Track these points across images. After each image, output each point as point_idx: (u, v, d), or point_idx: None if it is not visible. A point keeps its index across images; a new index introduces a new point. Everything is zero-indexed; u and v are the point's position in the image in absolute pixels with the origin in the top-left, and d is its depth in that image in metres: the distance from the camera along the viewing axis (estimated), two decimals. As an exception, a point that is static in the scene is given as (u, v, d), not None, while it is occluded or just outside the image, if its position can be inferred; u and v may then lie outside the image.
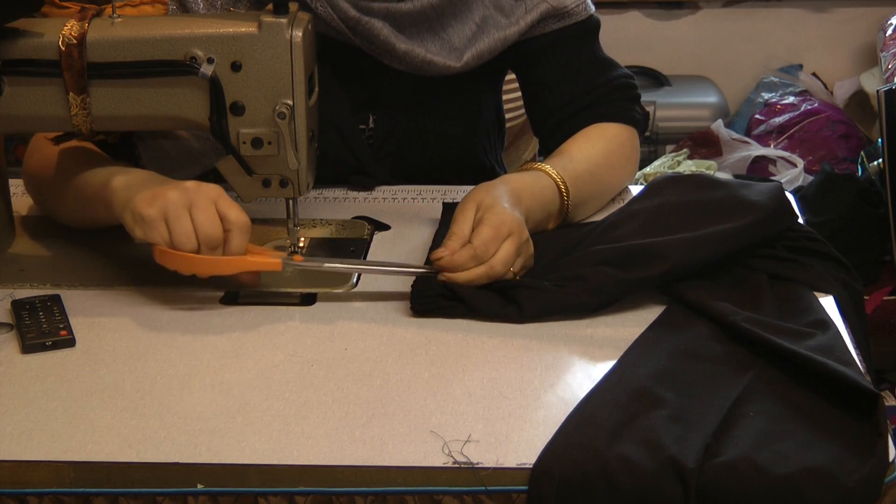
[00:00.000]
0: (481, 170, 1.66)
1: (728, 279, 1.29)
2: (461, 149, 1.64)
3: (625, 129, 1.58)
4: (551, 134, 1.59)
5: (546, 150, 1.60)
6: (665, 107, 3.24)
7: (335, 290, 1.33)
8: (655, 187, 1.41)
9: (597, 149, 1.53)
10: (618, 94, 1.59)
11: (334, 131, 1.54)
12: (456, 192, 1.59)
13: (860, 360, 1.15)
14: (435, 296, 1.26)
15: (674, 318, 1.24)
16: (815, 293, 1.27)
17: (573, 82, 1.57)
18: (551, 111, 1.58)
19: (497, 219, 1.29)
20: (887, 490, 1.02)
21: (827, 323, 1.19)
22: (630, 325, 1.24)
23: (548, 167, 1.44)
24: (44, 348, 1.21)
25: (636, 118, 1.60)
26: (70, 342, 1.22)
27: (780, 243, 1.32)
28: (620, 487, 0.99)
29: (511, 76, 1.69)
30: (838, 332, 1.18)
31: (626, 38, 3.39)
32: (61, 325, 1.24)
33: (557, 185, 1.43)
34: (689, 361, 1.15)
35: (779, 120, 3.22)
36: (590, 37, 1.60)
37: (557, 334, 1.23)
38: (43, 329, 1.23)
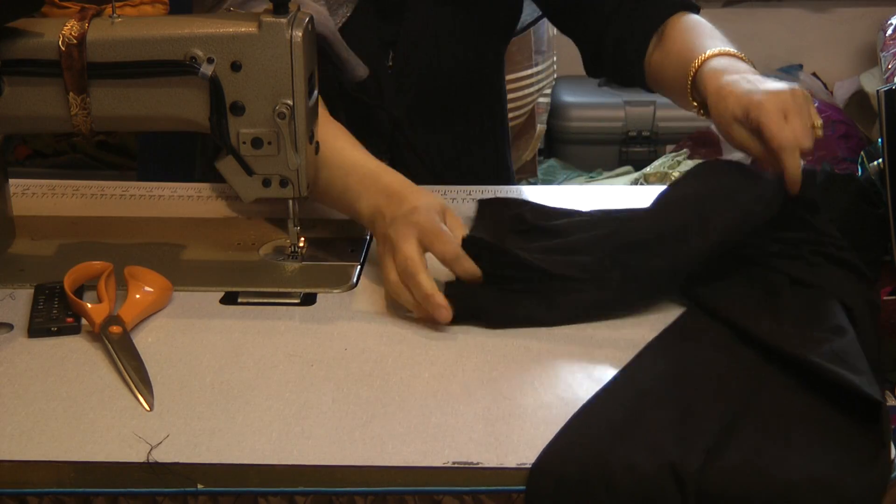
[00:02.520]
0: (495, 103, 1.71)
1: (748, 279, 1.27)
2: (476, 87, 1.66)
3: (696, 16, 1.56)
4: (606, 38, 1.58)
5: (599, 62, 1.61)
6: (665, 107, 3.24)
7: (335, 291, 1.33)
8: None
9: (713, 31, 1.49)
10: None
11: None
12: (456, 192, 1.59)
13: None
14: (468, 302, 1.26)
15: (687, 323, 1.23)
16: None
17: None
18: (605, 15, 1.57)
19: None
20: (888, 489, 1.02)
21: (844, 329, 1.18)
22: (630, 326, 1.24)
23: (728, 51, 1.41)
24: (49, 333, 1.23)
25: (698, 7, 1.59)
26: (76, 329, 1.23)
27: (808, 247, 1.30)
28: (619, 489, 0.99)
29: (510, 77, 1.69)
30: (854, 338, 1.16)
31: (626, 38, 3.39)
32: (69, 312, 1.25)
33: (746, 61, 1.41)
34: (697, 366, 1.15)
35: (779, 120, 3.22)
36: None
37: (557, 334, 1.23)
38: (52, 315, 1.24)
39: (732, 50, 1.42)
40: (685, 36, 1.50)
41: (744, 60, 1.41)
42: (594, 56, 1.63)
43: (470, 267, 1.26)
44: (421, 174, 1.61)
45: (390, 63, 1.61)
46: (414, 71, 1.61)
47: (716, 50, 1.41)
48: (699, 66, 1.41)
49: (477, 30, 1.64)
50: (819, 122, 1.31)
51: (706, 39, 1.46)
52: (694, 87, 1.42)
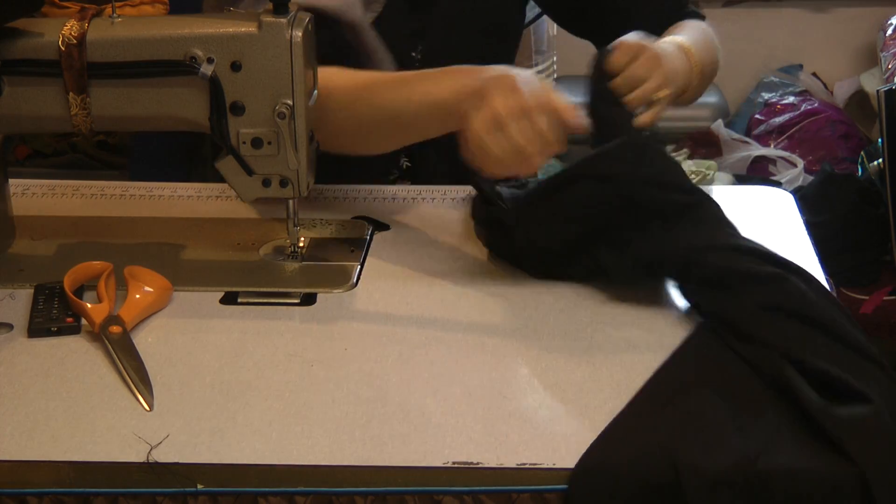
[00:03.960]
0: None
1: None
2: None
3: (703, 23, 1.61)
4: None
5: None
6: (665, 107, 3.23)
7: (335, 291, 1.33)
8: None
9: (697, 35, 1.54)
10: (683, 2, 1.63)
11: (392, 56, 1.56)
12: (455, 192, 1.59)
13: None
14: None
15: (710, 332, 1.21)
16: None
17: (651, 5, 1.60)
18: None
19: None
20: None
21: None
22: (630, 328, 1.24)
23: (678, 40, 1.46)
24: (49, 333, 1.23)
25: (703, 15, 1.63)
26: (75, 329, 1.23)
27: (833, 334, 1.15)
28: (682, 488, 0.99)
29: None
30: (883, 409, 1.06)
31: (626, 38, 3.39)
32: (69, 312, 1.25)
33: (686, 51, 1.45)
34: (734, 366, 1.14)
35: (779, 120, 3.22)
36: None
37: (558, 334, 1.23)
38: (52, 315, 1.24)
39: (685, 42, 1.47)
40: (670, 33, 1.54)
41: (688, 54, 1.46)
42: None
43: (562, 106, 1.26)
44: (439, 169, 1.61)
45: (418, 56, 1.62)
46: (440, 62, 1.61)
47: (675, 39, 1.47)
48: None
49: (499, 20, 1.66)
50: (664, 93, 1.35)
51: (677, 33, 1.51)
52: None
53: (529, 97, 1.25)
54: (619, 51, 1.36)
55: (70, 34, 1.28)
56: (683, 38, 1.50)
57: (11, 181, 1.50)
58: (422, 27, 1.62)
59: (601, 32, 1.62)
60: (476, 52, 1.62)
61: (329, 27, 1.46)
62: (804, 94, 3.33)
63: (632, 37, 1.38)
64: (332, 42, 1.46)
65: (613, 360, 1.17)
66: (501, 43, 1.70)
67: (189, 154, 1.86)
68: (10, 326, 1.25)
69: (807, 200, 2.74)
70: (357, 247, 1.44)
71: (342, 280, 1.35)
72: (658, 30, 1.56)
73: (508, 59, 1.73)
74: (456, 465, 1.02)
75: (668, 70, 1.38)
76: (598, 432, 1.06)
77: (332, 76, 1.41)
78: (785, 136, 3.18)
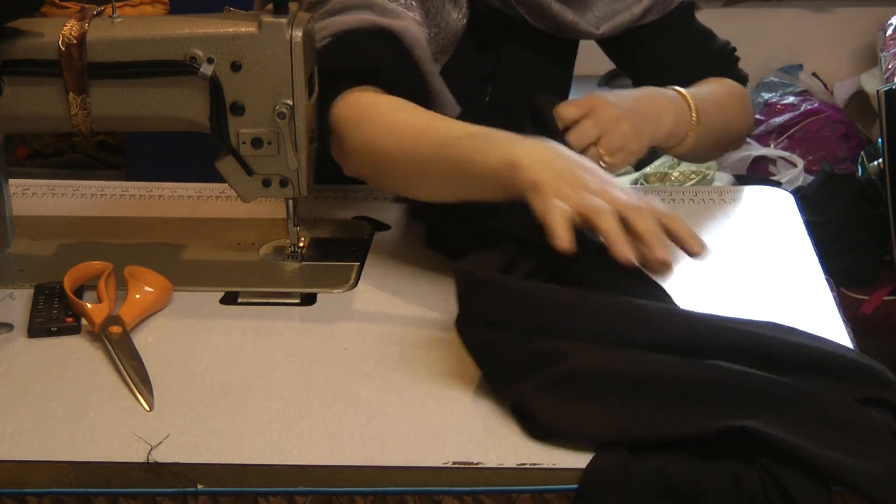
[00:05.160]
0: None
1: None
2: None
3: (737, 84, 1.62)
4: None
5: None
6: (665, 107, 3.23)
7: (335, 291, 1.33)
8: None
9: (718, 90, 1.55)
10: (727, 60, 1.64)
11: (461, 100, 1.47)
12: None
13: None
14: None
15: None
16: None
17: (687, 60, 1.61)
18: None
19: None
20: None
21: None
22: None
23: (681, 91, 1.47)
24: (49, 333, 1.23)
25: (744, 77, 1.64)
26: (75, 329, 1.23)
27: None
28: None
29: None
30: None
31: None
32: (69, 312, 1.25)
33: (684, 98, 1.46)
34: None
35: (779, 120, 3.22)
36: (689, 15, 1.64)
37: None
38: (52, 315, 1.25)
39: (689, 93, 1.47)
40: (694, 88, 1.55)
41: (688, 104, 1.47)
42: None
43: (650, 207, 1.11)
44: None
45: (487, 98, 1.61)
46: (511, 104, 1.60)
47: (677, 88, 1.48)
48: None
49: (568, 61, 1.67)
50: (611, 159, 1.34)
51: (694, 85, 1.53)
52: None
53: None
54: (572, 105, 1.35)
55: (70, 34, 1.28)
56: (694, 89, 1.50)
57: (11, 181, 1.50)
58: (491, 71, 1.60)
59: (643, 78, 1.63)
60: (544, 89, 1.62)
61: (399, 54, 1.39)
62: (804, 94, 3.33)
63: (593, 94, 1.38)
64: (397, 68, 1.37)
65: (613, 360, 1.17)
66: (566, 81, 1.70)
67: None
68: (10, 326, 1.25)
69: (807, 200, 2.74)
70: (357, 247, 1.44)
71: (342, 280, 1.35)
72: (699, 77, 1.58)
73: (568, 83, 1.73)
74: (456, 465, 1.02)
75: (628, 127, 1.35)
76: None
77: (398, 109, 1.33)
78: (785, 136, 3.18)
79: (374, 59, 1.36)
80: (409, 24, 1.40)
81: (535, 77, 1.61)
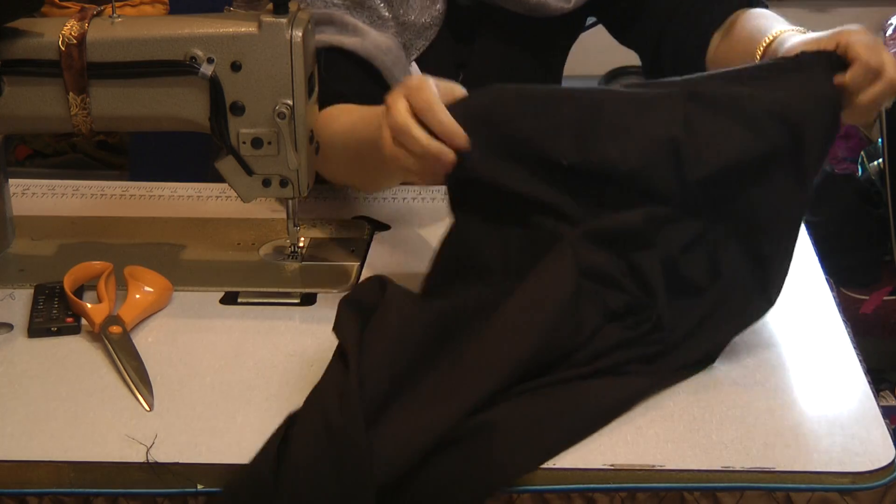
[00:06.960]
0: None
1: None
2: None
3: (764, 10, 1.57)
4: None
5: (658, 64, 1.59)
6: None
7: (335, 291, 1.33)
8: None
9: (781, 19, 1.50)
10: None
11: None
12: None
13: None
14: None
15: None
16: None
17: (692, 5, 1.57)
18: (663, 17, 1.58)
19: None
20: (887, 490, 1.02)
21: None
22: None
23: (798, 29, 1.41)
24: (49, 333, 1.23)
25: (765, 5, 1.60)
26: (75, 329, 1.23)
27: None
28: None
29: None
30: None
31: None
32: (69, 312, 1.25)
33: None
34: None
35: (779, 120, 3.22)
36: None
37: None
38: (52, 315, 1.25)
39: (801, 30, 1.41)
40: (754, 23, 1.49)
41: None
42: (653, 59, 1.63)
43: (446, 119, 1.12)
44: None
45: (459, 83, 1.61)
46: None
47: (786, 29, 1.41)
48: (770, 42, 1.40)
49: (543, 46, 1.65)
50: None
51: (774, 23, 1.46)
52: (765, 57, 1.41)
53: (418, 100, 1.14)
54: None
55: (70, 34, 1.28)
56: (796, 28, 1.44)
57: (11, 181, 1.50)
58: (465, 58, 1.59)
59: (645, 34, 1.60)
60: (518, 76, 1.61)
61: (355, 66, 1.44)
62: (804, 94, 3.32)
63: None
64: (351, 81, 1.44)
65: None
66: (543, 68, 1.68)
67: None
68: (10, 326, 1.25)
69: (807, 200, 2.74)
70: (357, 247, 1.44)
71: (342, 280, 1.35)
72: (713, 19, 1.53)
73: (554, 79, 1.70)
74: (456, 465, 1.02)
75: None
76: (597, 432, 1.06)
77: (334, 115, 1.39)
78: (785, 136, 3.18)
79: (332, 82, 1.41)
80: (365, 37, 1.43)
81: (507, 65, 1.60)
